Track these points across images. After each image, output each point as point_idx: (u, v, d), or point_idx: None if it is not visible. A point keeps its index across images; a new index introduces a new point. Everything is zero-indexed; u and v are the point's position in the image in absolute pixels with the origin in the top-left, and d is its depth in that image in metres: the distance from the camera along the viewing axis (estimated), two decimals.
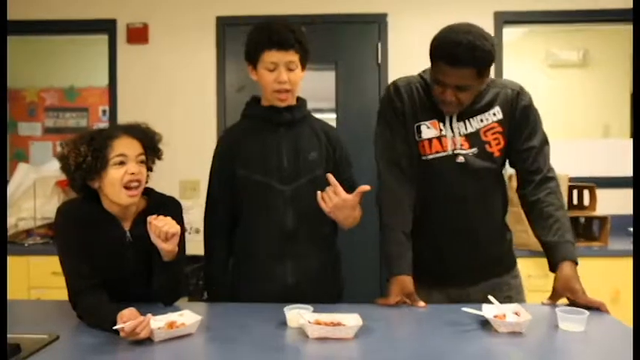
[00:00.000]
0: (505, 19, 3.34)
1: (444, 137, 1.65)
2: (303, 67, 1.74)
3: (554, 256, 1.58)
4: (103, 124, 3.83)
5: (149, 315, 1.29)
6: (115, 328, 1.27)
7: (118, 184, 1.49)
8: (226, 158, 1.77)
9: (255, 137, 1.76)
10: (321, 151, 1.78)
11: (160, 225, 1.48)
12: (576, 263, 1.56)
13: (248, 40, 1.73)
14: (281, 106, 1.73)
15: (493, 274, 1.73)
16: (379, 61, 3.36)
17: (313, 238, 1.76)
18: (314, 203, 1.66)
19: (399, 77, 1.73)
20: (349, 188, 1.69)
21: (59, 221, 1.54)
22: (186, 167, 3.37)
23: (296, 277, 1.72)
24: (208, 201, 1.84)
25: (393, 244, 1.64)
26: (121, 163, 1.49)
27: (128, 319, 1.26)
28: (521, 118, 1.66)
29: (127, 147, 1.51)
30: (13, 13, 3.31)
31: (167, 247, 1.51)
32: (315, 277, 1.75)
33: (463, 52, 1.47)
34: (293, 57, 1.67)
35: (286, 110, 1.75)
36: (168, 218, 1.51)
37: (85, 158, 1.45)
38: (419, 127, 1.66)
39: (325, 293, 1.74)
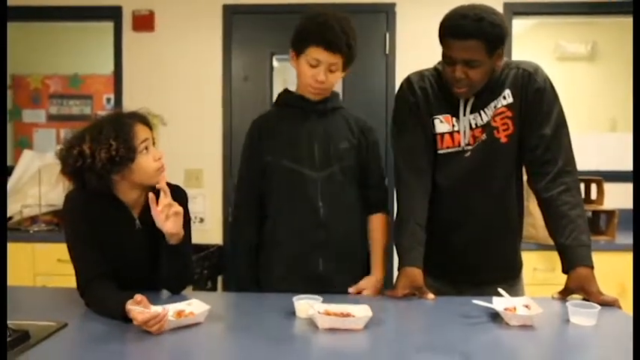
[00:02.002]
0: (514, 10, 3.31)
1: (456, 133, 1.62)
2: (345, 69, 1.72)
3: (567, 261, 1.53)
4: (106, 113, 3.82)
5: (165, 310, 1.28)
6: (128, 307, 1.27)
7: (150, 170, 1.51)
8: (256, 145, 1.77)
9: (286, 124, 1.75)
10: (353, 141, 1.76)
11: (165, 203, 1.50)
12: (592, 267, 1.51)
13: (299, 27, 1.68)
14: (314, 99, 1.73)
15: (504, 277, 1.69)
16: (387, 52, 3.33)
17: (344, 228, 1.74)
18: (345, 194, 1.72)
19: (414, 71, 1.71)
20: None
21: (68, 208, 1.53)
22: (191, 156, 3.36)
23: (326, 265, 1.72)
24: (239, 189, 1.84)
25: (405, 235, 1.62)
26: (146, 148, 1.51)
27: (139, 306, 1.26)
28: (533, 102, 1.57)
29: (145, 133, 1.53)
30: None
31: (171, 229, 1.51)
32: (344, 265, 1.74)
33: (469, 24, 1.45)
34: (338, 59, 1.65)
35: (319, 100, 1.75)
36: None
37: (118, 151, 1.45)
38: (433, 121, 1.64)
39: (353, 281, 1.72)
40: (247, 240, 1.79)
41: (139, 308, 1.27)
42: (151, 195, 1.51)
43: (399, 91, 1.72)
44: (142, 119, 1.55)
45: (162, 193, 1.52)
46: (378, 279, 1.75)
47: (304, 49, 1.65)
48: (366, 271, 1.79)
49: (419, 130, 1.65)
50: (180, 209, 1.52)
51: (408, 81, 1.68)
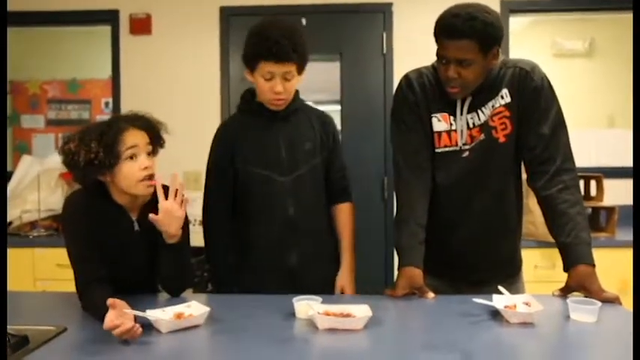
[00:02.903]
0: (511, 7, 3.32)
1: (453, 132, 1.62)
2: (300, 73, 1.75)
3: (568, 259, 1.53)
4: (106, 116, 3.82)
5: (132, 321, 1.23)
6: (105, 328, 1.22)
7: (133, 179, 1.49)
8: (224, 153, 1.80)
9: (253, 131, 1.79)
10: (316, 140, 1.82)
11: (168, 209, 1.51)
12: (593, 265, 1.50)
13: (246, 45, 1.73)
14: (276, 110, 1.77)
15: (503, 276, 1.69)
16: (384, 52, 3.33)
17: (313, 227, 1.81)
18: (313, 193, 1.79)
19: (411, 69, 1.70)
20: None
21: (67, 212, 1.53)
22: (190, 158, 3.34)
23: (297, 265, 1.78)
24: (207, 194, 1.86)
25: (405, 235, 1.61)
26: (132, 156, 1.48)
27: (113, 324, 1.21)
28: (531, 101, 1.56)
29: (136, 139, 1.49)
30: (16, 4, 3.29)
31: (171, 230, 1.52)
32: (315, 264, 1.80)
33: (461, 23, 1.45)
34: (290, 68, 1.69)
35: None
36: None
37: (97, 154, 1.43)
38: (431, 119, 1.64)
39: (324, 280, 1.82)
40: (223, 243, 1.82)
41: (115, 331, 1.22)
42: (159, 187, 1.51)
43: (397, 88, 1.71)
44: (140, 125, 1.53)
45: (170, 191, 1.53)
46: (350, 270, 1.85)
47: (256, 65, 1.70)
48: (335, 269, 1.87)
49: (418, 128, 1.64)
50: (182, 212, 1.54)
51: (406, 78, 1.68)
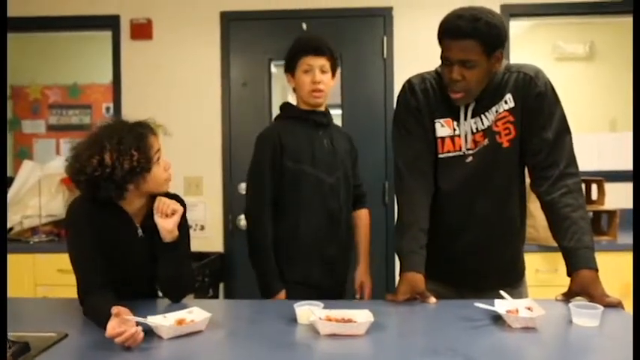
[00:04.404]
0: (512, 11, 3.31)
1: (457, 137, 1.62)
2: (333, 74, 2.01)
3: (571, 264, 1.53)
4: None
5: (137, 327, 1.23)
6: (107, 336, 1.22)
7: (160, 180, 1.57)
8: (273, 151, 1.92)
9: (300, 133, 1.97)
10: (347, 149, 2.07)
11: (167, 202, 1.58)
12: (596, 270, 1.50)
13: (288, 52, 2.00)
14: (316, 103, 1.97)
15: (506, 282, 1.67)
16: (385, 56, 3.33)
17: (346, 222, 2.02)
18: (347, 194, 2.02)
19: (414, 75, 1.70)
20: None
21: (71, 218, 1.54)
22: (191, 164, 3.36)
23: (336, 254, 1.97)
24: (256, 190, 1.94)
25: (406, 240, 1.61)
26: (158, 159, 1.56)
27: (115, 332, 1.21)
28: (535, 106, 1.56)
29: (157, 142, 1.58)
30: (16, 9, 3.30)
31: (167, 225, 1.55)
32: (347, 251, 2.06)
33: (464, 23, 1.46)
34: (325, 62, 1.95)
35: (322, 113, 2.01)
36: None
37: (139, 162, 1.49)
38: (434, 124, 1.64)
39: (351, 263, 2.09)
40: (270, 239, 1.92)
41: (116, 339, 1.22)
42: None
43: (400, 93, 1.71)
44: (153, 130, 1.59)
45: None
46: (368, 267, 2.14)
47: (296, 63, 1.97)
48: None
49: (420, 133, 1.64)
50: (180, 208, 1.60)
51: (409, 83, 1.68)
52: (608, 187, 2.90)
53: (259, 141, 1.97)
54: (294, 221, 1.94)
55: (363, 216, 2.17)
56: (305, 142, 1.95)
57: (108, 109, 3.83)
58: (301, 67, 1.95)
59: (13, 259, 2.48)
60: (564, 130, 1.58)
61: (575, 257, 1.51)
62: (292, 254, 1.94)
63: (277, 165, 1.92)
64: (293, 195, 1.93)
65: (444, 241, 1.66)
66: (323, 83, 1.94)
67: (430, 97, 1.63)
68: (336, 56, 2.00)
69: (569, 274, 1.54)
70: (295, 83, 1.99)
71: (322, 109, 2.02)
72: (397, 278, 1.63)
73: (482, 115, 1.60)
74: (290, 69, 2.00)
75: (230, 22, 3.39)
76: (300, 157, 1.93)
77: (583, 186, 3.01)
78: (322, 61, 1.95)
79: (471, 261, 1.68)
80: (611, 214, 2.86)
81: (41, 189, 3.08)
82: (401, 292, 1.57)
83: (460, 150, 1.62)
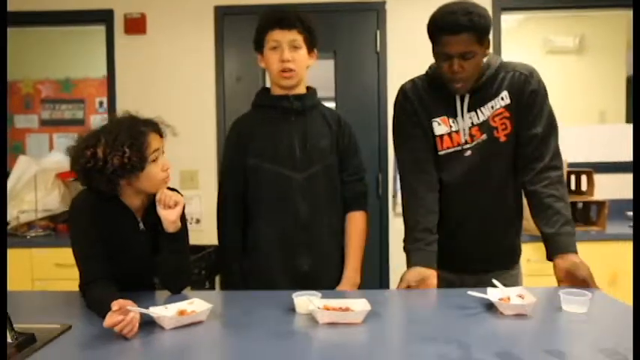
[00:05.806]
0: (503, 5, 3.35)
1: (454, 133, 1.68)
2: (310, 50, 1.75)
3: (551, 248, 1.61)
4: (100, 116, 3.82)
5: (132, 314, 1.26)
6: (105, 326, 1.24)
7: (156, 179, 1.54)
8: (237, 148, 1.78)
9: (266, 126, 1.76)
10: (332, 139, 1.79)
11: (170, 194, 1.57)
12: (575, 252, 1.58)
13: (255, 29, 1.76)
14: (288, 84, 1.73)
15: (504, 265, 1.77)
16: (378, 50, 3.36)
17: (326, 227, 1.78)
18: (327, 193, 1.75)
19: (406, 81, 1.77)
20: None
21: (74, 212, 1.56)
22: (186, 157, 3.37)
23: (309, 266, 1.74)
24: (221, 191, 1.84)
25: (410, 241, 1.69)
26: (155, 159, 1.54)
27: (112, 321, 1.23)
28: (528, 103, 1.66)
29: (158, 143, 1.56)
30: (9, 4, 3.28)
31: (170, 217, 1.55)
32: (327, 264, 1.79)
33: (461, 18, 1.51)
34: (296, 36, 1.70)
35: (296, 98, 1.75)
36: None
37: (130, 159, 1.47)
38: (432, 124, 1.70)
39: (336, 280, 1.78)
40: (235, 243, 1.79)
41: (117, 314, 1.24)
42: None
43: (395, 101, 1.78)
44: (156, 128, 1.57)
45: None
46: (350, 285, 1.77)
47: (263, 39, 1.73)
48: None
49: (419, 134, 1.71)
50: (182, 199, 1.59)
51: (402, 91, 1.75)
52: (598, 178, 2.96)
53: (226, 136, 1.85)
54: (255, 226, 1.76)
55: (354, 220, 1.81)
56: (269, 134, 1.73)
57: (101, 103, 3.82)
58: (268, 43, 1.71)
59: (10, 254, 2.48)
60: (552, 126, 1.68)
61: (555, 242, 1.60)
62: (256, 265, 1.76)
63: (237, 161, 1.76)
64: (255, 195, 1.75)
65: (448, 231, 1.72)
66: (294, 62, 1.70)
67: (424, 98, 1.71)
68: (311, 27, 1.73)
69: (549, 258, 1.62)
70: (265, 63, 1.75)
71: (299, 91, 1.76)
72: (392, 275, 1.68)
73: (478, 110, 1.67)
74: (259, 47, 1.76)
75: (224, 16, 3.40)
76: (263, 151, 1.73)
77: (572, 177, 3.10)
78: (292, 36, 1.69)
79: (473, 248, 1.75)
80: (600, 204, 2.92)
81: (37, 184, 3.09)
82: (410, 277, 1.61)
83: (458, 145, 1.68)
